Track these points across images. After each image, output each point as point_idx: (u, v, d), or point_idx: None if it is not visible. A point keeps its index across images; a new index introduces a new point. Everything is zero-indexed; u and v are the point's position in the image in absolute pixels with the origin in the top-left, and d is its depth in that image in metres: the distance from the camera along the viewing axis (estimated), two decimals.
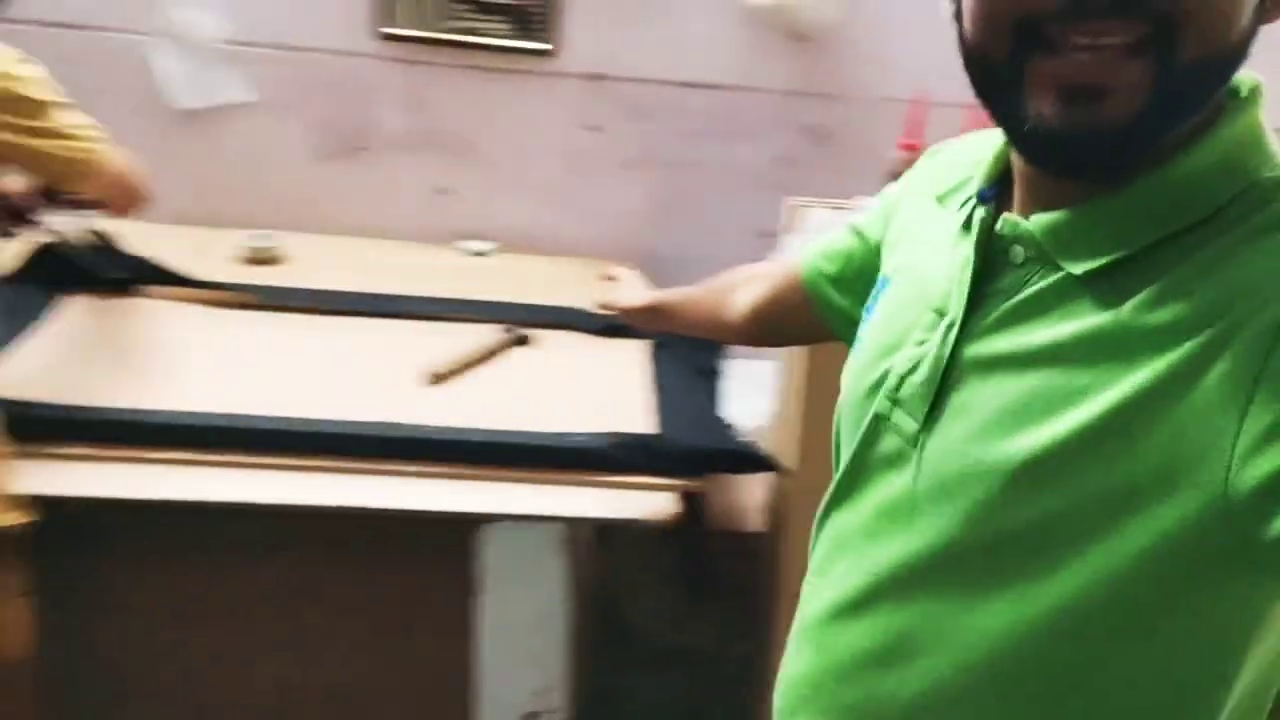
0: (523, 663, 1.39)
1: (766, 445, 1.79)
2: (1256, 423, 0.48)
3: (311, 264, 1.95)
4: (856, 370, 0.72)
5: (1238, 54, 0.53)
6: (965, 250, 0.63)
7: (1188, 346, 0.51)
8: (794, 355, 1.43)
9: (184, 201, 2.06)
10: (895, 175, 1.39)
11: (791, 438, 1.42)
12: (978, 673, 0.60)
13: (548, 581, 1.35)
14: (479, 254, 2.10)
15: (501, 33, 2.00)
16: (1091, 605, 0.55)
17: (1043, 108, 0.53)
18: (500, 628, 1.36)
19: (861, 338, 0.73)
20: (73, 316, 1.58)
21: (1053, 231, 0.57)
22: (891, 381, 0.66)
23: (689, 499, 1.34)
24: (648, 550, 1.63)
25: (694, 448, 1.36)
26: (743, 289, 1.09)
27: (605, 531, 1.55)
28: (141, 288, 1.69)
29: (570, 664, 1.42)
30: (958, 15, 0.58)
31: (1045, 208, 0.58)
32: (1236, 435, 0.48)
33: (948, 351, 0.61)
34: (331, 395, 1.40)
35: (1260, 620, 0.55)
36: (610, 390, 1.54)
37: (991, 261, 0.61)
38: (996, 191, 0.64)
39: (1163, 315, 0.52)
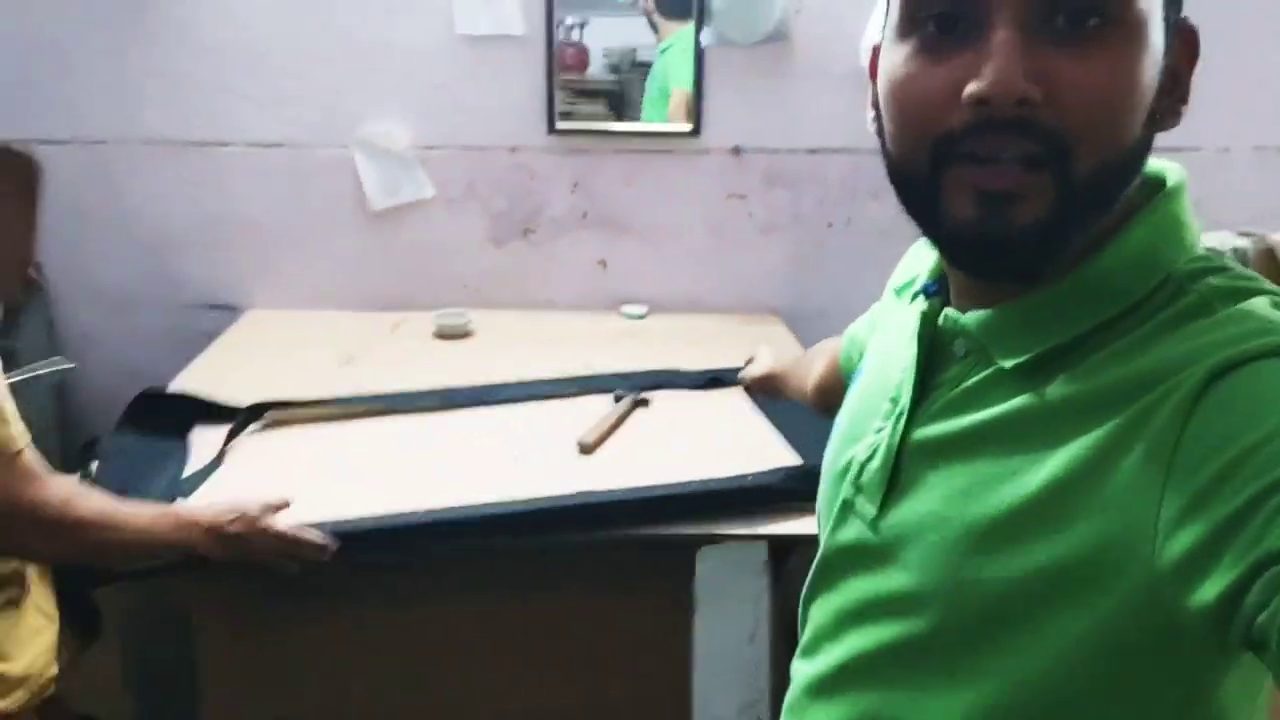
0: (733, 678, 1.56)
1: None
2: (1175, 498, 0.49)
3: (496, 335, 2.21)
4: (829, 458, 0.75)
5: (1133, 161, 0.56)
6: (914, 345, 0.66)
7: (1107, 428, 0.52)
8: None
9: (380, 288, 2.36)
10: None
11: None
12: None
13: (755, 599, 1.53)
14: (636, 317, 2.33)
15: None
16: (1041, 688, 0.56)
17: (960, 212, 0.56)
18: (714, 645, 1.54)
19: (837, 424, 0.77)
20: (208, 449, 1.57)
21: (986, 327, 0.60)
22: (854, 469, 0.68)
23: None
24: None
25: None
26: (817, 361, 1.18)
27: (785, 556, 1.72)
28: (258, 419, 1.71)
29: (772, 678, 1.60)
30: (880, 133, 0.62)
31: (978, 304, 0.62)
32: (1158, 512, 0.50)
33: (897, 439, 0.64)
34: (502, 481, 1.47)
35: (1214, 698, 0.55)
36: (738, 435, 1.68)
37: (938, 353, 0.65)
38: (939, 286, 0.68)
39: (1082, 399, 0.55)
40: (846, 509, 0.69)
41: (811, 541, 1.55)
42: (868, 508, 0.66)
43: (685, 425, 1.73)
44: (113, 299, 2.34)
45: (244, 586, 1.46)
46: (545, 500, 1.40)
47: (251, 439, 1.65)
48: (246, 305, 2.36)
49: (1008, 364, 0.59)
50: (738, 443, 1.64)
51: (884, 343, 0.75)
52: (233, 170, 2.29)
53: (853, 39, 2.17)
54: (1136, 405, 0.52)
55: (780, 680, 1.63)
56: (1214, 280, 0.56)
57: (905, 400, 0.65)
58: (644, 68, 2.25)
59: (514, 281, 2.36)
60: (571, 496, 1.42)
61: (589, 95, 2.25)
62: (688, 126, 2.25)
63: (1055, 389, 0.56)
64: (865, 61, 0.66)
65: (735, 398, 1.80)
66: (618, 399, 1.77)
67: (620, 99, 2.26)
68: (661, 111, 2.27)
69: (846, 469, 0.70)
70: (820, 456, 1.50)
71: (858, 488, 0.68)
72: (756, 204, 2.32)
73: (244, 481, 1.48)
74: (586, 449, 1.60)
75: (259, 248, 2.34)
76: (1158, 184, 0.60)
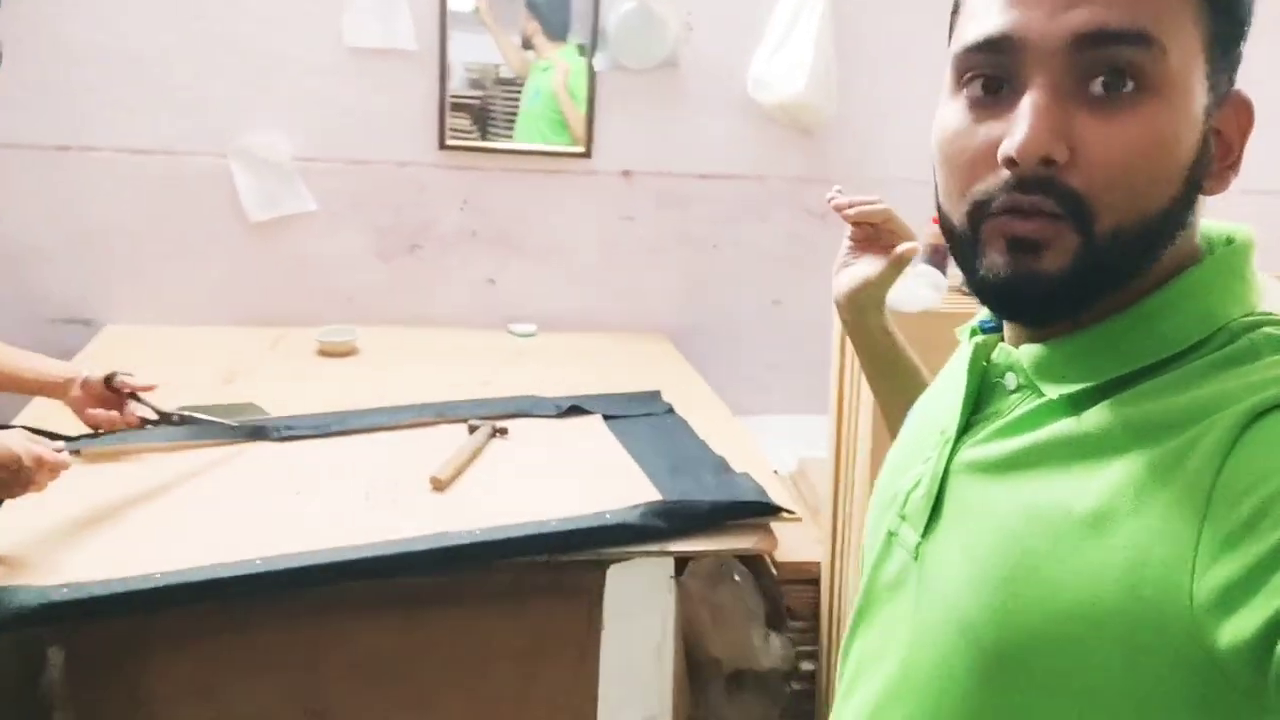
0: (638, 690, 1.58)
1: (800, 488, 2.03)
2: (1212, 533, 0.49)
3: (382, 353, 2.16)
4: (877, 491, 0.75)
5: (1165, 224, 0.57)
6: (965, 376, 0.67)
7: (1149, 459, 0.53)
8: (854, 404, 1.66)
9: (258, 303, 2.27)
10: (933, 248, 1.65)
11: (854, 477, 1.65)
12: None
13: (661, 614, 1.55)
14: (525, 335, 2.33)
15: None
16: None
17: (994, 257, 0.58)
18: (621, 659, 1.55)
19: (887, 460, 0.77)
20: None
21: (1036, 360, 0.62)
22: (900, 498, 0.68)
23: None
24: (723, 586, 1.85)
25: (715, 504, 1.51)
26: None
27: (682, 572, 1.75)
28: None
29: (674, 692, 1.62)
30: (937, 193, 0.65)
31: (1030, 340, 0.63)
32: (1196, 545, 0.49)
33: (943, 466, 0.65)
34: (352, 521, 1.42)
35: None
36: (598, 467, 1.65)
37: (989, 386, 0.66)
38: (997, 324, 0.70)
39: (1127, 430, 0.55)
40: (891, 540, 0.69)
41: (707, 556, 1.62)
42: (911, 535, 0.66)
43: (544, 457, 1.69)
44: None
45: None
46: (395, 544, 1.34)
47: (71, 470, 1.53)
48: (107, 320, 2.23)
49: (1055, 395, 0.60)
50: (598, 476, 1.61)
51: (940, 381, 0.76)
52: (100, 177, 2.17)
53: (740, 68, 2.25)
54: (1178, 439, 0.53)
55: (678, 692, 1.66)
56: (1269, 330, 0.56)
57: (953, 429, 0.66)
58: (506, 84, 2.27)
59: (400, 298, 2.32)
60: (423, 539, 1.36)
61: (453, 109, 2.26)
62: (580, 148, 2.27)
63: (1101, 419, 0.57)
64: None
65: (595, 427, 1.80)
66: (472, 430, 1.73)
67: (484, 114, 2.27)
68: (546, 128, 2.29)
69: (892, 500, 0.70)
70: (676, 490, 1.54)
71: (902, 517, 0.68)
72: (646, 225, 2.36)
73: (53, 520, 1.39)
74: (440, 485, 1.54)
75: (125, 259, 2.22)
76: (1226, 239, 0.62)
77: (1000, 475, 0.61)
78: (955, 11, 0.62)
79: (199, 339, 2.19)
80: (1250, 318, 0.58)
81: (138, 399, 1.57)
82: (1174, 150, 0.56)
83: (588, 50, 2.23)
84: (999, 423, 0.63)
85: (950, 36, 0.62)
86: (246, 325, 2.25)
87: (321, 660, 1.47)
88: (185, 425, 1.63)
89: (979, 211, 0.58)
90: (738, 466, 1.68)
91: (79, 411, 1.55)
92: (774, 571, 1.82)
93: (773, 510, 1.55)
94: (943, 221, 0.63)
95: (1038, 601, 0.55)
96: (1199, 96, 0.56)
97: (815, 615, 1.85)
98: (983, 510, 0.61)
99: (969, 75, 0.59)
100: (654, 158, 2.32)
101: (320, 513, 1.47)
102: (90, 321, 2.23)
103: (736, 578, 1.86)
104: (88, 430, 1.58)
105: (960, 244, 0.61)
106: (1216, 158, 0.59)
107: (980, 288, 0.61)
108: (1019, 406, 0.62)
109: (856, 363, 1.70)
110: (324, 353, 2.13)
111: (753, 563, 1.90)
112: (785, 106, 2.24)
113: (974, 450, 0.63)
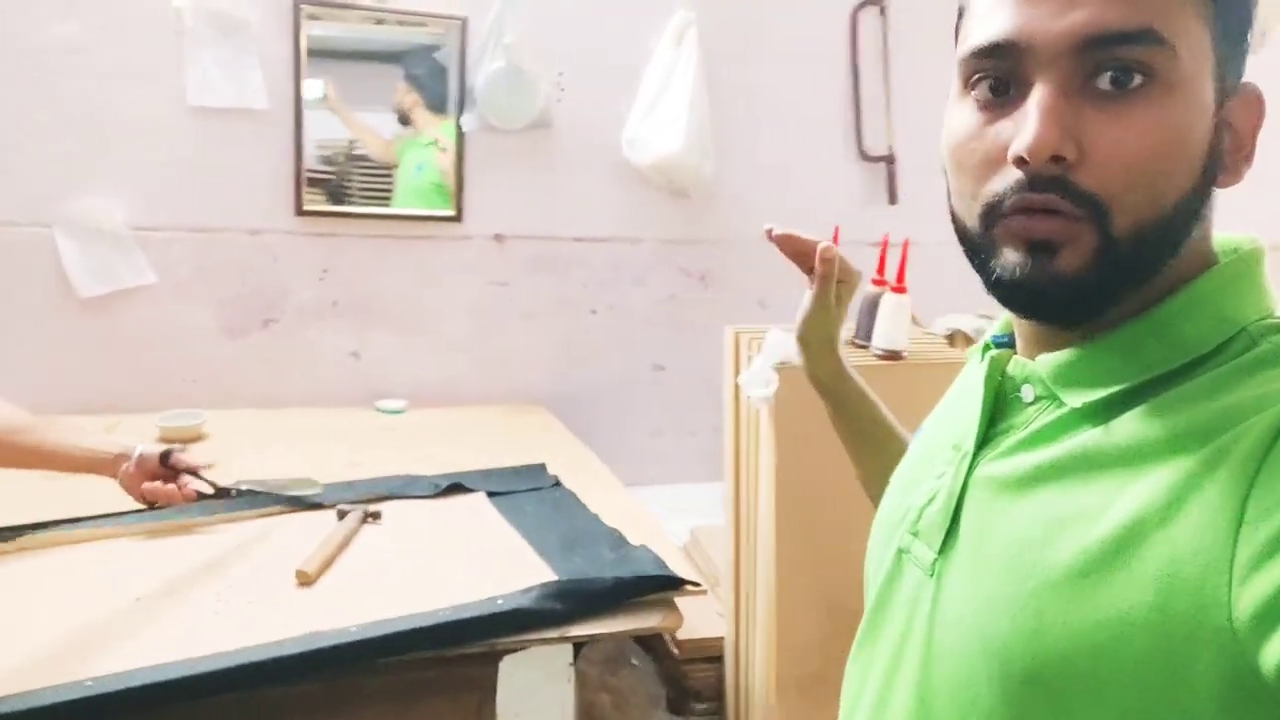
0: None
1: (695, 559, 1.93)
2: (1251, 541, 0.48)
3: (231, 438, 1.96)
4: (883, 510, 0.73)
5: (1182, 217, 0.57)
6: (981, 390, 0.66)
7: (1179, 469, 0.52)
8: (752, 469, 1.58)
9: (91, 387, 2.04)
10: (869, 301, 1.60)
11: (756, 544, 1.56)
12: None
13: (560, 705, 1.40)
14: (393, 412, 2.17)
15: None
16: None
17: (1009, 258, 0.58)
18: None
19: (894, 478, 0.75)
20: None
21: (1056, 369, 0.61)
22: (912, 515, 0.67)
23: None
24: (623, 670, 1.71)
25: (617, 581, 1.38)
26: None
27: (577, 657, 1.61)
28: None
29: None
30: (949, 197, 0.64)
31: (1046, 351, 0.62)
32: (1233, 556, 0.48)
33: (960, 481, 0.64)
34: (204, 627, 1.25)
35: None
36: (484, 548, 1.52)
37: (1005, 400, 0.65)
38: (1010, 339, 0.69)
39: (1154, 439, 0.54)
40: (902, 558, 0.67)
41: (610, 639, 1.48)
42: (926, 553, 0.64)
43: (424, 541, 1.54)
44: None
45: None
46: (257, 650, 1.17)
47: None
48: None
49: (1077, 404, 0.59)
50: (485, 558, 1.48)
51: (949, 400, 0.75)
52: None
53: (614, 128, 2.20)
54: (1209, 447, 0.51)
55: None
56: None
57: (970, 443, 0.64)
58: (359, 160, 2.17)
59: (253, 377, 2.13)
60: (292, 641, 1.20)
61: (308, 184, 2.13)
62: (449, 212, 2.16)
63: (1126, 429, 0.56)
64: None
65: (479, 506, 1.67)
66: (341, 515, 1.58)
67: (338, 189, 2.16)
68: (436, 200, 2.20)
69: (902, 518, 0.68)
70: (571, 568, 1.41)
71: (915, 533, 0.66)
72: (519, 291, 2.26)
73: None
74: (307, 579, 1.38)
75: None
76: (1234, 247, 0.62)
77: (1023, 489, 0.59)
78: (961, 15, 0.62)
79: None
80: (1267, 321, 0.57)
81: (196, 475, 1.52)
82: (1185, 143, 0.55)
83: (454, 110, 2.14)
84: (1018, 436, 0.61)
85: (957, 40, 0.62)
86: (77, 413, 2.01)
87: None
88: (243, 498, 1.58)
89: (992, 212, 0.58)
90: (634, 539, 1.57)
91: (132, 489, 1.48)
92: (675, 651, 1.71)
93: (677, 584, 1.43)
94: (956, 224, 0.63)
95: (1064, 618, 0.53)
96: (1206, 87, 0.56)
97: (720, 696, 1.73)
98: (1005, 525, 0.59)
99: (976, 78, 0.59)
100: (527, 221, 2.23)
101: (168, 620, 1.26)
102: None
103: (635, 661, 1.73)
104: (138, 505, 1.50)
105: (974, 246, 0.61)
106: (1229, 150, 0.58)
107: (997, 288, 0.60)
108: (1038, 418, 0.61)
109: (752, 426, 1.62)
110: (165, 439, 1.91)
111: (651, 644, 1.78)
112: (660, 166, 2.20)
113: (994, 465, 0.62)
